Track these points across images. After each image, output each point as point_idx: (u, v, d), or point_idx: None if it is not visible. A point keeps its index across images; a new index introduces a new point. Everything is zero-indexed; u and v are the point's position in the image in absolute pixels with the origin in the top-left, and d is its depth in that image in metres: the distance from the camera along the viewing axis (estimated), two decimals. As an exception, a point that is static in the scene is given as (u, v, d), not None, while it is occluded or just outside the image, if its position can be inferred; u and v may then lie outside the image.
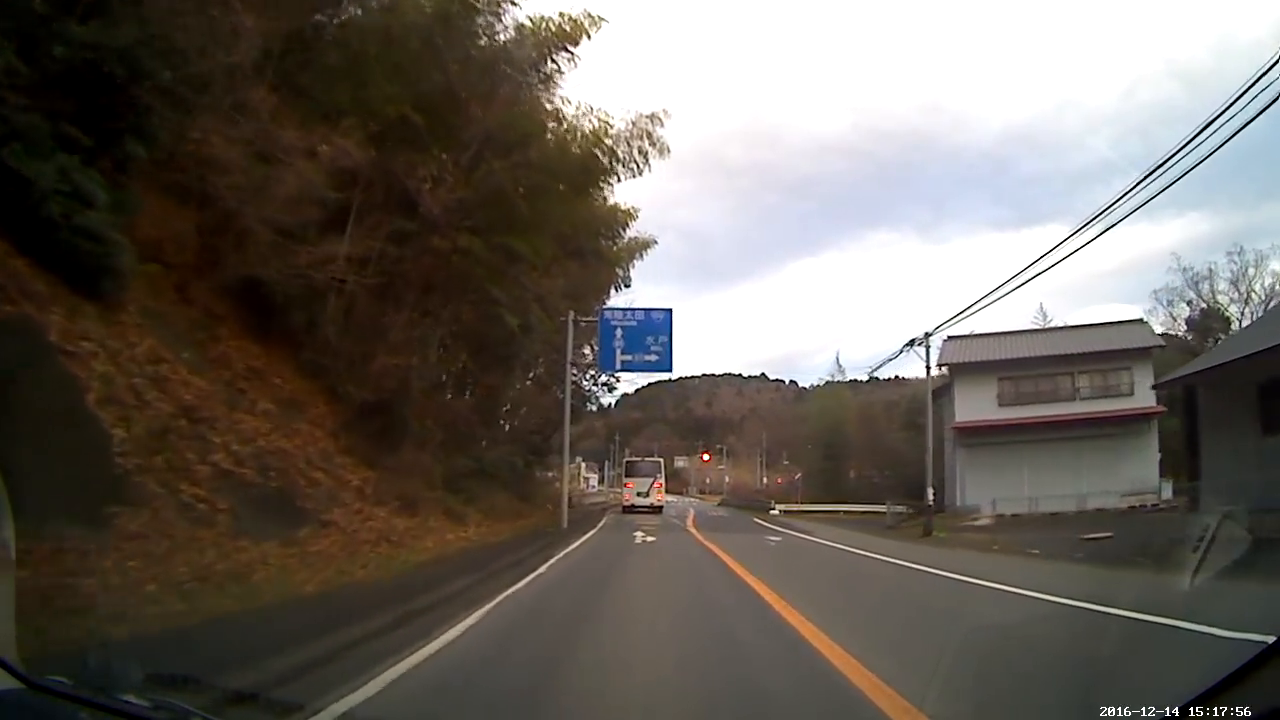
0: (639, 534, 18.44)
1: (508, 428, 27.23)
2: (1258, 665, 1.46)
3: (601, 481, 65.55)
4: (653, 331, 22.56)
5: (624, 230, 24.82)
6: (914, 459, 30.50)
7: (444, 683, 4.43)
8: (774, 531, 23.14)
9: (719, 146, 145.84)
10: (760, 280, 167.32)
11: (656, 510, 30.73)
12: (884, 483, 37.69)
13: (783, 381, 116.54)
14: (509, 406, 27.19)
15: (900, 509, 30.01)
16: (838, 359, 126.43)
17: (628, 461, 37.23)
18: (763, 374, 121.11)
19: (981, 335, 31.18)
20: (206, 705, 2.95)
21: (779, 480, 68.81)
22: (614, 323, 22.77)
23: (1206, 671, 1.53)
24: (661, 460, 35.24)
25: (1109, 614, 6.57)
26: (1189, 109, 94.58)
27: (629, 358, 22.84)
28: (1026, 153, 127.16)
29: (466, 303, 17.78)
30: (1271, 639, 1.48)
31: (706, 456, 79.98)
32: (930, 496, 23.46)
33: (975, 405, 29.26)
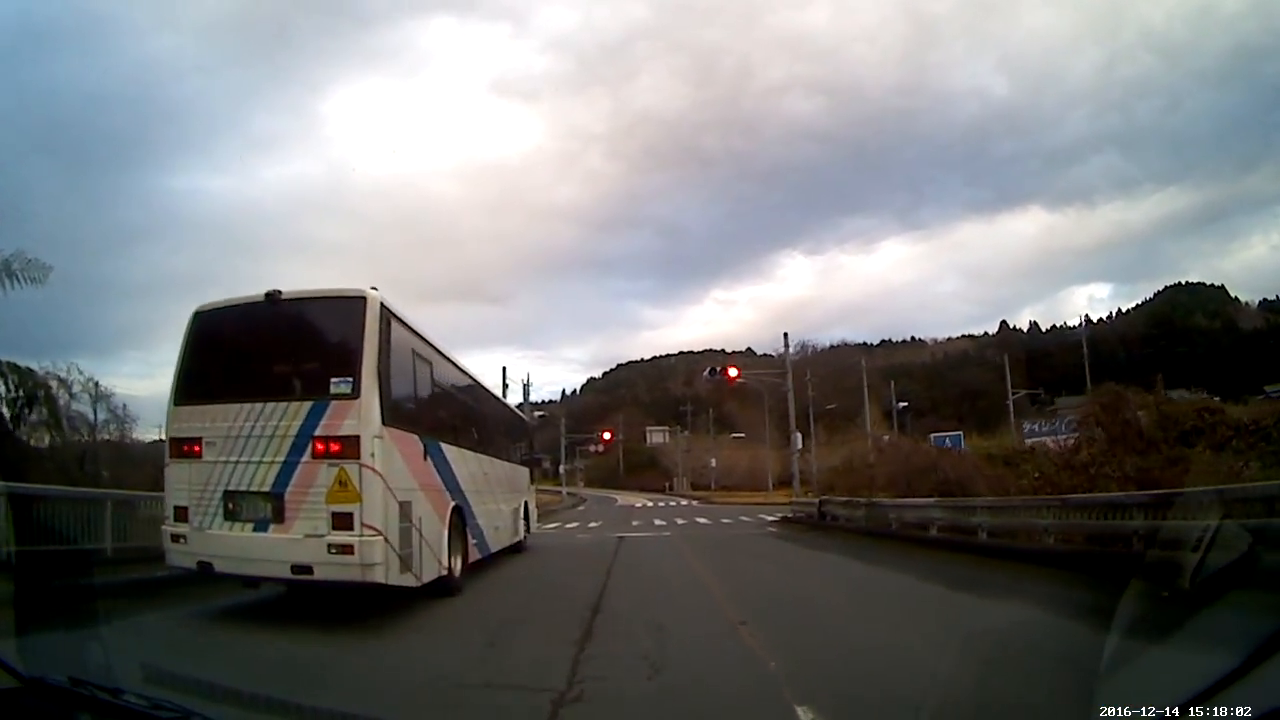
0: None
1: None
2: (1257, 664, 1.46)
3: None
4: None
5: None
6: None
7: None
8: None
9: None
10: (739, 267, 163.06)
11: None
12: None
13: (771, 355, 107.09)
14: None
15: None
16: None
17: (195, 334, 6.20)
18: (749, 349, 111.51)
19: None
20: (206, 705, 2.96)
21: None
22: None
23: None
24: (375, 298, 5.91)
25: None
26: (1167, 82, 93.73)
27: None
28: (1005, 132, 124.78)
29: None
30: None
31: (734, 372, 29.20)
32: None
33: None
